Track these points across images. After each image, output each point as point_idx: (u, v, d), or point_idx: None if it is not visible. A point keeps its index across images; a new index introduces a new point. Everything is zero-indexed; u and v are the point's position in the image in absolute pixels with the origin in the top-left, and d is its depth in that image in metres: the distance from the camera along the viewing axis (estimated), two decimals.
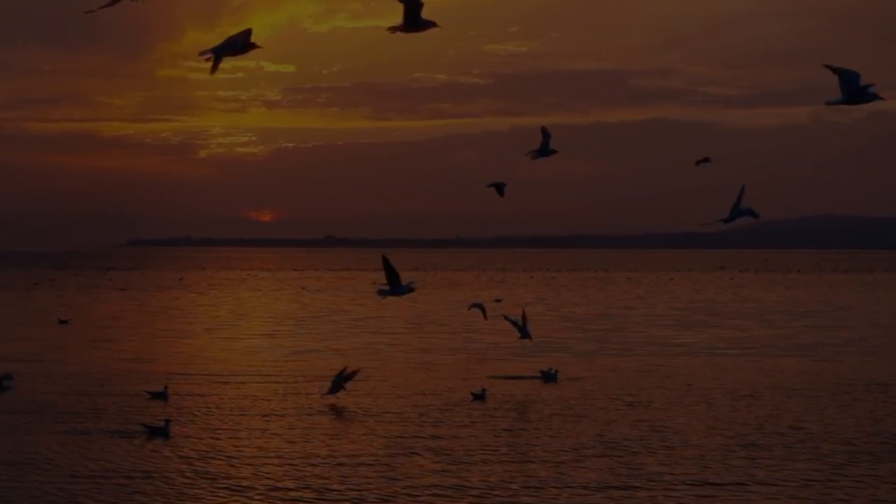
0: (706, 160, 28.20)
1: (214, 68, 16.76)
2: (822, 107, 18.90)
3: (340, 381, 46.50)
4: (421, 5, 17.41)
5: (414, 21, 17.54)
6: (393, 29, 17.72)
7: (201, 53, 16.85)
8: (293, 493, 30.93)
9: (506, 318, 47.87)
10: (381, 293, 27.18)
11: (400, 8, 17.41)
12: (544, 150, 25.65)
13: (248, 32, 16.93)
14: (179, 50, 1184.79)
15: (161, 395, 48.07)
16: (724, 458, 35.48)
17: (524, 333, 46.20)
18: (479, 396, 48.55)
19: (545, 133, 25.53)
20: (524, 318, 46.74)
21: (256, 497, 30.66)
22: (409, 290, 26.79)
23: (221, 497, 30.63)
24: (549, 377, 55.00)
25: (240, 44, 16.87)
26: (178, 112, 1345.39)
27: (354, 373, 46.80)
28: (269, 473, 33.21)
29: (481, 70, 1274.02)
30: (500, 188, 27.96)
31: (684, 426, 41.24)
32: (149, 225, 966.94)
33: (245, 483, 32.01)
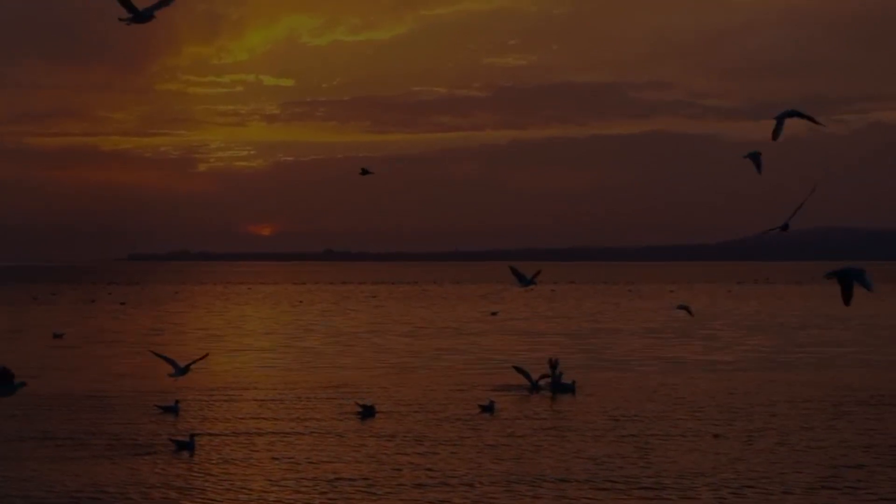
0: (366, 171, 28.06)
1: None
2: None
3: (370, 409, 46.88)
4: None
5: None
6: None
7: None
8: None
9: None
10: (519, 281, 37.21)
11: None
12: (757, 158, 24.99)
13: None
14: (178, 64, 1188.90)
15: (171, 410, 47.94)
16: (721, 470, 35.44)
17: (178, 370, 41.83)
18: (488, 408, 48.19)
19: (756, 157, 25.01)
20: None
21: None
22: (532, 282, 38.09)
23: None
24: (565, 388, 54.65)
25: None
26: (178, 126, 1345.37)
27: (372, 407, 47.17)
28: (281, 491, 33.06)
29: (480, 83, 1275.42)
30: (756, 159, 26.62)
31: (708, 446, 40.73)
32: (149, 239, 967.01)
33: (256, 497, 31.96)
